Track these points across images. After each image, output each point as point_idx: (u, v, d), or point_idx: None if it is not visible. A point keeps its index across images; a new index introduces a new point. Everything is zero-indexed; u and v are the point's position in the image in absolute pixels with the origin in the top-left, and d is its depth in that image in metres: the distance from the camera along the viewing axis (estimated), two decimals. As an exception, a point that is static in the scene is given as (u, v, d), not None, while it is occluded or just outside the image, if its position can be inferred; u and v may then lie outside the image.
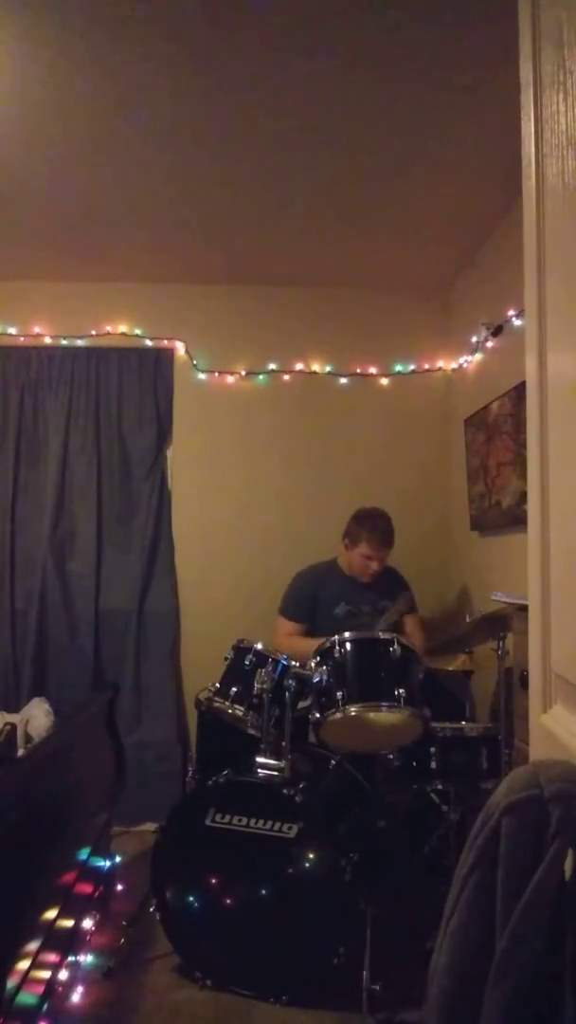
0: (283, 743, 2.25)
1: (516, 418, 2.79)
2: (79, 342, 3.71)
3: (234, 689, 2.42)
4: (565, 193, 0.87)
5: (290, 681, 2.31)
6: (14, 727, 3.01)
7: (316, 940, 2.06)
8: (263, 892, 2.11)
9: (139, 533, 3.66)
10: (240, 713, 2.39)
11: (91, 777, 2.38)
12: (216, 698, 2.44)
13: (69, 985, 1.99)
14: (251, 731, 2.37)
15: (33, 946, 1.68)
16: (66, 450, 3.64)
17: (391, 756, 2.52)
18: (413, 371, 3.81)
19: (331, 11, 1.90)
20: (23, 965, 1.60)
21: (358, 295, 3.79)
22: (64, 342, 3.70)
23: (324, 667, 2.32)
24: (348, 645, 2.35)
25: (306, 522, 3.67)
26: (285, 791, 2.10)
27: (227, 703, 2.41)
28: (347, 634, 2.38)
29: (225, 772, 2.18)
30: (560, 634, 0.90)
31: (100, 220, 3.08)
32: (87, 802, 2.28)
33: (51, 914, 1.83)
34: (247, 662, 2.44)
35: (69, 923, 2.01)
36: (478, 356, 3.39)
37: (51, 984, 1.80)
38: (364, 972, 2.05)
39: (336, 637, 2.37)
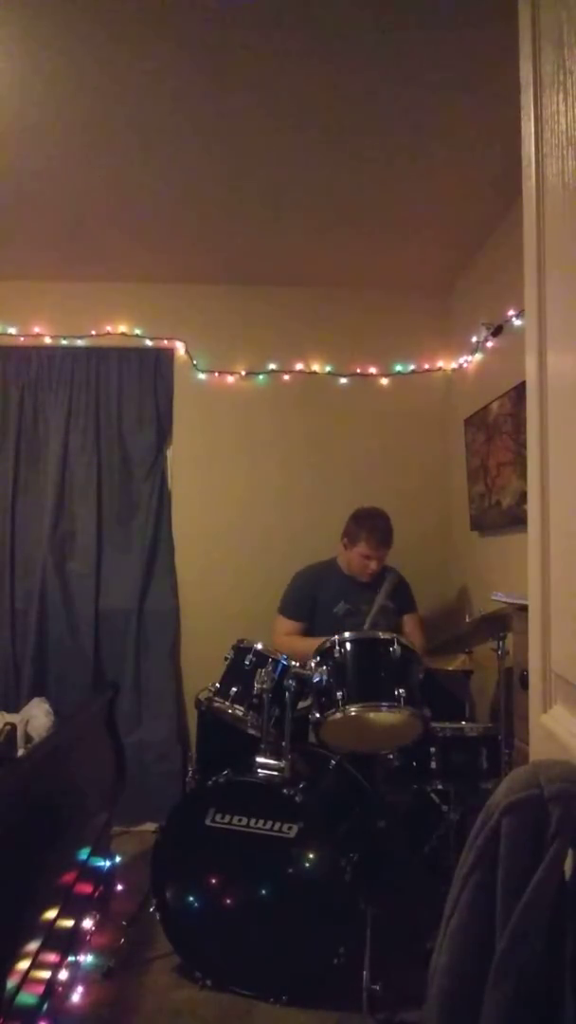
0: (283, 743, 2.25)
1: (516, 418, 2.79)
2: (79, 342, 3.71)
3: (234, 689, 2.42)
4: (565, 193, 0.87)
5: (290, 681, 2.32)
6: (14, 727, 3.01)
7: (316, 940, 2.06)
8: (263, 892, 2.11)
9: (139, 533, 3.66)
10: (240, 713, 2.39)
11: (91, 777, 2.38)
12: (216, 698, 2.44)
13: (69, 985, 1.99)
14: (251, 731, 2.37)
15: (33, 946, 1.68)
16: (66, 450, 3.64)
17: (391, 756, 2.52)
18: (413, 371, 3.81)
19: (331, 11, 1.90)
20: (23, 965, 1.60)
21: (358, 295, 3.79)
22: (64, 342, 3.70)
23: (324, 667, 2.32)
24: (348, 645, 2.35)
25: (306, 522, 3.67)
26: (285, 791, 2.10)
27: (227, 703, 2.41)
28: (347, 634, 2.38)
29: (225, 772, 2.18)
30: (560, 634, 0.90)
31: (100, 220, 3.08)
32: (87, 802, 2.28)
33: (51, 914, 1.83)
34: (247, 662, 2.44)
35: (69, 923, 2.01)
36: (478, 356, 3.39)
37: (51, 984, 1.80)
38: (364, 972, 2.05)
39: (336, 637, 2.37)
